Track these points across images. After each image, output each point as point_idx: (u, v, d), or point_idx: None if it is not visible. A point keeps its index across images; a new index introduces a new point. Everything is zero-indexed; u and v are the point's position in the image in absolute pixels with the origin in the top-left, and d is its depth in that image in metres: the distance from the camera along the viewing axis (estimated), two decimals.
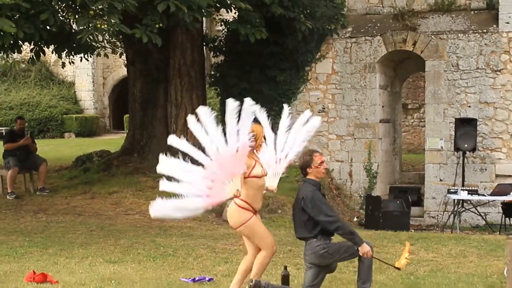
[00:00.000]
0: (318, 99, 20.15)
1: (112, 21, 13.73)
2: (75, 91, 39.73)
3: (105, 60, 35.80)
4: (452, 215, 17.12)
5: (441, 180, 18.97)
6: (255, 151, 8.56)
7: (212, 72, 21.32)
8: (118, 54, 24.37)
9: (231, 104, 8.11)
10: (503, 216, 16.99)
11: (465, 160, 18.32)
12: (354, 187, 19.77)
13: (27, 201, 17.53)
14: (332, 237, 8.48)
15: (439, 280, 9.90)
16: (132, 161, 19.70)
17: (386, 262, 9.01)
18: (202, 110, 8.13)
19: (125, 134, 23.57)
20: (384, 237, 13.85)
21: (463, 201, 17.28)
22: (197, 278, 9.76)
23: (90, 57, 21.03)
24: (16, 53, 17.36)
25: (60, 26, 15.19)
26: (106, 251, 11.99)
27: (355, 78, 19.78)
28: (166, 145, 20.22)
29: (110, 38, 21.13)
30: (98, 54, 21.01)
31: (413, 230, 16.71)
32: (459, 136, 18.00)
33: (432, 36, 19.13)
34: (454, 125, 18.34)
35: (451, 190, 17.14)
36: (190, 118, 8.14)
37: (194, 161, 8.09)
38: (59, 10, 15.18)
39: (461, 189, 16.95)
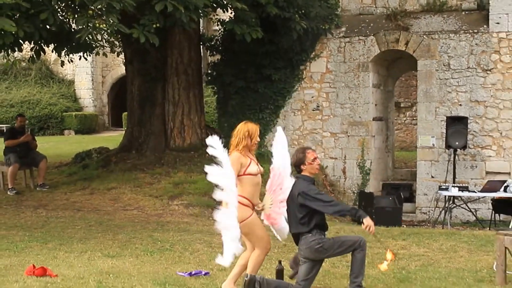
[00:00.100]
0: (312, 97, 20.15)
1: (111, 20, 13.71)
2: (74, 89, 39.70)
3: (104, 59, 35.77)
4: (443, 211, 17.14)
5: (432, 177, 18.99)
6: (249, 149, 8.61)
7: (209, 71, 21.33)
8: (116, 53, 24.35)
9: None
10: (493, 212, 17.00)
11: (456, 157, 18.34)
12: (347, 184, 19.78)
13: (28, 196, 17.52)
14: (326, 233, 8.52)
15: (430, 275, 9.91)
16: (130, 157, 19.69)
17: (381, 241, 9.05)
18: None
19: (124, 132, 23.55)
20: (376, 233, 13.74)
21: (454, 197, 17.30)
22: (193, 272, 9.76)
23: (89, 56, 21.01)
24: (17, 52, 17.37)
25: (60, 25, 15.18)
26: (105, 246, 11.99)
27: (348, 77, 19.79)
28: (163, 142, 20.14)
29: (109, 38, 21.13)
30: (97, 53, 21.00)
31: (405, 226, 16.72)
32: (450, 134, 18.01)
33: (424, 36, 19.14)
34: (445, 123, 18.36)
35: (442, 187, 17.15)
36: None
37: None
38: (59, 9, 15.16)
39: (452, 186, 16.96)
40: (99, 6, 13.46)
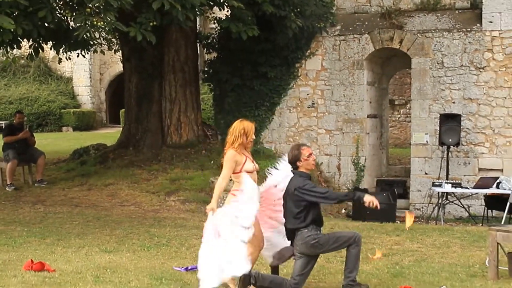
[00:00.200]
0: (308, 94, 20.13)
1: (108, 18, 13.70)
2: (72, 86, 39.66)
3: (101, 57, 35.72)
4: (436, 207, 17.14)
5: (426, 173, 18.99)
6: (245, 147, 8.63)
7: (206, 69, 21.32)
8: (113, 51, 24.34)
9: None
10: (486, 208, 17.00)
11: (449, 154, 18.33)
12: (342, 180, 19.77)
13: (26, 192, 17.53)
14: (321, 228, 8.54)
15: (424, 270, 9.93)
16: (128, 154, 19.70)
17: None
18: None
19: (121, 128, 23.55)
20: (371, 228, 13.88)
21: (447, 193, 17.29)
22: (189, 267, 9.77)
23: (87, 53, 20.98)
24: (15, 49, 17.35)
25: (58, 23, 15.16)
26: (102, 241, 12.00)
27: (343, 74, 19.77)
28: (160, 139, 20.19)
29: (107, 35, 21.10)
30: (95, 51, 20.98)
31: (399, 222, 16.70)
32: (444, 131, 18.01)
33: (418, 35, 19.13)
34: (439, 120, 18.35)
35: (436, 183, 17.15)
36: None
37: None
38: (57, 7, 15.16)
39: (445, 182, 16.96)
40: (97, 4, 13.45)
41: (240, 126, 8.58)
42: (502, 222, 13.51)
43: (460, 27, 18.90)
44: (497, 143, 18.52)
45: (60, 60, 20.12)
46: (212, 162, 18.11)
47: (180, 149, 19.41)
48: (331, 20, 19.72)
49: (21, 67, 38.81)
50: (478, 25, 18.72)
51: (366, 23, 19.94)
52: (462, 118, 18.35)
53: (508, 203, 12.74)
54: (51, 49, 18.02)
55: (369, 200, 8.24)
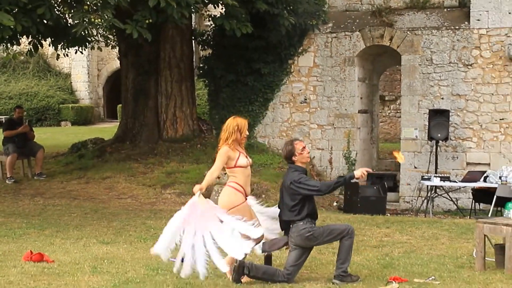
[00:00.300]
0: (300, 90, 20.13)
1: (106, 16, 13.68)
2: (71, 82, 39.59)
3: (99, 53, 35.69)
4: (425, 200, 17.16)
5: (415, 167, 19.01)
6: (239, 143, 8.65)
7: (201, 65, 21.31)
8: (111, 47, 24.30)
9: None
10: (473, 201, 17.02)
11: (438, 148, 18.36)
12: (334, 174, 19.75)
13: (25, 185, 17.50)
14: (316, 221, 8.56)
15: (413, 261, 9.94)
16: (125, 148, 19.68)
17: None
18: None
19: (118, 123, 23.52)
20: (361, 221, 13.89)
21: (436, 187, 17.31)
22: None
23: (85, 50, 20.93)
24: (15, 46, 17.31)
25: (56, 20, 15.12)
26: (100, 233, 11.99)
27: (335, 71, 19.77)
28: (156, 133, 20.19)
29: (104, 32, 21.07)
30: (92, 48, 20.94)
31: (389, 214, 16.74)
32: (433, 126, 18.03)
33: (408, 32, 19.14)
34: (428, 115, 18.36)
35: (425, 177, 17.17)
36: None
37: None
38: (55, 4, 15.11)
39: (434, 176, 16.97)
40: (95, 2, 13.44)
41: (234, 123, 8.59)
42: (489, 215, 13.53)
43: (448, 25, 18.91)
44: (485, 138, 18.55)
45: (58, 57, 20.08)
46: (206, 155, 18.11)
47: (175, 143, 19.40)
48: (323, 17, 19.71)
49: (21, 63, 38.73)
50: (466, 23, 18.73)
51: (357, 21, 19.94)
52: (450, 114, 18.38)
53: (495, 196, 12.76)
54: (49, 45, 18.00)
55: (359, 174, 8.35)
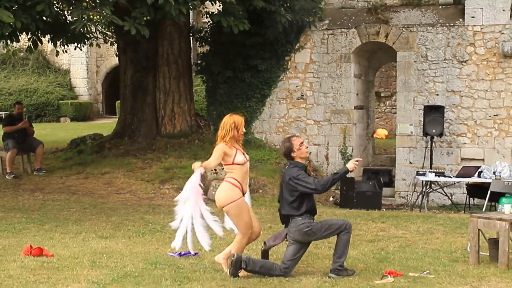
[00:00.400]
0: (297, 86, 20.13)
1: (104, 12, 13.67)
2: (70, 79, 39.56)
3: (98, 50, 35.68)
4: (420, 195, 17.17)
5: (410, 163, 19.02)
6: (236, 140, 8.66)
7: (198, 61, 21.28)
8: (109, 44, 24.27)
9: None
10: (467, 196, 17.04)
11: (433, 144, 18.37)
12: (330, 169, 19.76)
13: (25, 180, 17.49)
14: (314, 217, 8.58)
15: (408, 255, 9.94)
16: (123, 143, 19.66)
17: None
18: None
19: (117, 119, 23.50)
20: (357, 216, 13.89)
21: (431, 182, 17.32)
22: (183, 253, 9.75)
23: (84, 46, 20.90)
24: (14, 42, 17.29)
25: (55, 17, 15.11)
26: (99, 227, 11.99)
27: (331, 67, 19.77)
28: (154, 129, 20.17)
29: (103, 29, 21.04)
30: (91, 44, 20.92)
31: (384, 209, 16.75)
32: (428, 122, 18.04)
33: (403, 29, 19.13)
34: (423, 112, 18.38)
35: (420, 172, 17.18)
36: None
37: None
38: (54, 1, 15.08)
39: (429, 171, 16.99)
40: None
41: (231, 120, 8.59)
42: (483, 210, 13.51)
43: (443, 22, 18.91)
44: (479, 133, 18.57)
45: (57, 53, 20.06)
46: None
47: (173, 139, 19.39)
48: (319, 14, 19.70)
49: (20, 60, 38.69)
50: (460, 20, 18.74)
51: (353, 18, 19.93)
52: (445, 110, 18.39)
53: (489, 192, 12.75)
54: (48, 42, 17.98)
55: (352, 166, 8.40)
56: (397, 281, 8.37)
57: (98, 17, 13.62)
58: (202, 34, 21.16)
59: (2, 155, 18.30)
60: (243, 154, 8.64)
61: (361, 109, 20.31)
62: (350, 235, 8.58)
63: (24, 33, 16.39)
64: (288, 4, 18.39)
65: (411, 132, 19.02)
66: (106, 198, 15.62)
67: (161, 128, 19.76)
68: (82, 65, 39.32)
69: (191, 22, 22.73)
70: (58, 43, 17.80)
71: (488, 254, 9.56)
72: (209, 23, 20.75)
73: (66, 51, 20.37)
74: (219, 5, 17.76)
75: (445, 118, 18.32)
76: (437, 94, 18.77)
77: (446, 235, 11.82)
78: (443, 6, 19.40)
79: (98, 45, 20.86)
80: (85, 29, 14.82)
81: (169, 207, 14.57)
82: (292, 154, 8.56)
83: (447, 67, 18.70)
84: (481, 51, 18.50)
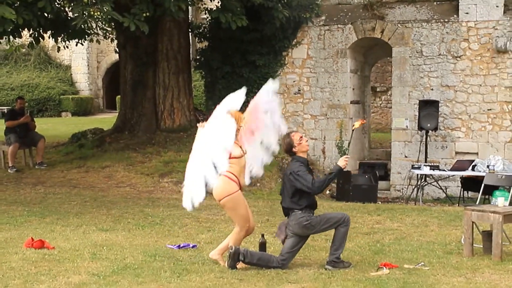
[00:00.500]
0: (294, 81, 20.12)
1: (105, 9, 13.64)
2: (71, 74, 39.49)
3: (99, 45, 35.45)
4: (415, 189, 17.18)
5: (406, 156, 19.03)
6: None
7: (197, 57, 21.26)
8: (110, 39, 24.23)
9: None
10: (462, 189, 17.05)
11: (428, 138, 18.37)
12: (326, 163, 19.78)
13: (27, 174, 17.46)
14: (314, 211, 8.59)
15: (403, 247, 9.95)
16: (124, 138, 19.63)
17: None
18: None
19: (117, 114, 23.47)
20: (353, 208, 13.89)
21: (426, 175, 17.33)
22: (182, 245, 9.77)
23: (85, 42, 20.87)
24: (17, 38, 17.26)
25: (57, 13, 15.09)
26: (99, 220, 11.97)
27: (328, 62, 19.76)
28: (154, 123, 20.13)
29: (103, 25, 21.01)
30: (91, 40, 20.89)
31: (380, 202, 16.76)
32: (423, 116, 18.04)
33: (399, 25, 19.13)
34: (418, 106, 18.39)
35: (415, 166, 17.18)
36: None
37: None
38: None
39: (424, 165, 16.99)
40: None
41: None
42: (477, 203, 13.51)
43: (438, 18, 18.90)
44: (473, 128, 18.58)
45: (59, 49, 20.02)
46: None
47: (173, 133, 19.36)
48: (316, 11, 19.68)
49: (22, 55, 38.62)
50: (455, 16, 18.73)
51: (350, 14, 19.92)
52: (440, 104, 18.40)
53: (482, 185, 12.75)
54: (49, 38, 17.95)
55: (343, 163, 8.61)
56: (392, 272, 8.37)
57: (98, 13, 13.61)
58: (201, 30, 21.12)
59: (4, 149, 18.29)
60: (241, 147, 8.63)
61: (357, 103, 20.31)
62: (348, 228, 8.59)
63: (26, 29, 16.36)
64: (285, 1, 18.36)
65: (407, 126, 19.03)
66: (107, 191, 15.61)
67: (160, 122, 19.74)
68: (83, 61, 39.26)
69: (190, 18, 22.71)
70: (59, 39, 17.77)
71: (482, 246, 9.57)
72: (207, 19, 20.71)
73: (67, 47, 20.32)
74: (218, 2, 17.74)
75: (439, 113, 18.33)
76: (432, 89, 18.77)
77: (440, 227, 11.82)
78: (438, 2, 19.39)
79: (98, 41, 20.81)
80: (86, 25, 14.79)
81: (168, 200, 14.61)
82: (293, 150, 8.57)
83: (442, 62, 18.70)
84: (475, 46, 18.49)
